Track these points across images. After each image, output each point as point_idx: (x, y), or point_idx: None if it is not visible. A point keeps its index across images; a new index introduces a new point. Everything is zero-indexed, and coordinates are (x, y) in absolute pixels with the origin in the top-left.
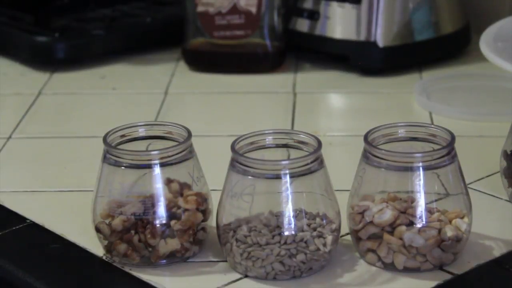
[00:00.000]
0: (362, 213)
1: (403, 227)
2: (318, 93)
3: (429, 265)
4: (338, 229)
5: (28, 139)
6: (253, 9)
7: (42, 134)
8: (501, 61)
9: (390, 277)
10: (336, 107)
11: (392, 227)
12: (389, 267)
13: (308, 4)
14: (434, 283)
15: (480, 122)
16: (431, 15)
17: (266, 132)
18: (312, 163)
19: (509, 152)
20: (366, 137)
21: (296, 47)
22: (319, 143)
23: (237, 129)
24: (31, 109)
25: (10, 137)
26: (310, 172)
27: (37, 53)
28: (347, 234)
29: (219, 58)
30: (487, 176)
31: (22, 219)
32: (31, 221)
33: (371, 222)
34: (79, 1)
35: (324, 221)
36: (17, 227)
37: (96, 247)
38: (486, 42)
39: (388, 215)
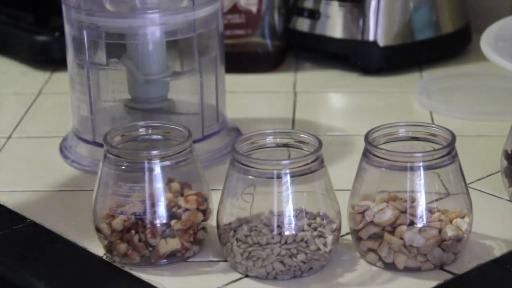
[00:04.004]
0: (362, 213)
1: (404, 227)
2: (319, 93)
3: (430, 265)
4: (338, 229)
5: (28, 138)
6: (254, 9)
7: (42, 133)
8: (501, 60)
9: (391, 277)
10: (337, 107)
11: (392, 227)
12: (390, 267)
13: (308, 4)
14: (435, 283)
15: (481, 121)
16: (432, 14)
17: (267, 132)
18: (312, 163)
19: (509, 152)
20: (366, 137)
21: (297, 47)
22: (320, 143)
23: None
24: (31, 108)
25: (10, 136)
26: (311, 171)
27: (37, 53)
28: (348, 234)
29: None
30: (487, 176)
31: (22, 218)
32: (31, 220)
33: (372, 222)
34: None
35: (325, 221)
36: (17, 226)
37: (96, 247)
38: (486, 41)
39: (388, 214)
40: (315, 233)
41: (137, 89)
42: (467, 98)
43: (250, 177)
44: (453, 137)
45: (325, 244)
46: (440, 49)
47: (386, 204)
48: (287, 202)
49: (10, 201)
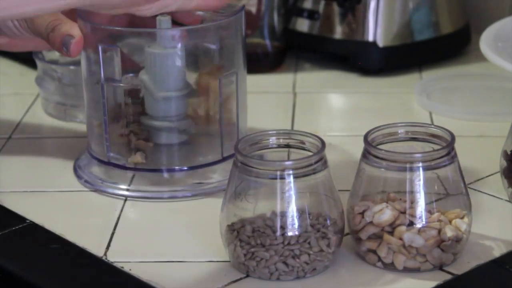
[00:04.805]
0: (362, 213)
1: (403, 227)
2: (318, 93)
3: (429, 265)
4: (342, 230)
5: (28, 139)
6: (253, 9)
7: (42, 134)
8: (501, 61)
9: (390, 277)
10: (336, 107)
11: (392, 227)
12: (389, 267)
13: (308, 4)
14: (434, 283)
15: (480, 122)
16: (431, 15)
17: (270, 132)
18: (316, 164)
19: (509, 152)
20: (366, 137)
21: (296, 47)
22: (323, 144)
23: None
24: (30, 109)
25: (10, 137)
26: (314, 172)
27: (37, 53)
28: (347, 234)
29: None
30: (487, 176)
31: (22, 219)
32: (30, 221)
33: (371, 222)
34: None
35: (328, 221)
36: (17, 227)
37: (95, 247)
38: (486, 42)
39: (387, 215)
40: (318, 234)
41: (153, 106)
42: (466, 99)
43: (253, 177)
44: (453, 137)
45: (328, 245)
46: (439, 50)
47: (386, 204)
48: (290, 203)
49: (10, 202)
